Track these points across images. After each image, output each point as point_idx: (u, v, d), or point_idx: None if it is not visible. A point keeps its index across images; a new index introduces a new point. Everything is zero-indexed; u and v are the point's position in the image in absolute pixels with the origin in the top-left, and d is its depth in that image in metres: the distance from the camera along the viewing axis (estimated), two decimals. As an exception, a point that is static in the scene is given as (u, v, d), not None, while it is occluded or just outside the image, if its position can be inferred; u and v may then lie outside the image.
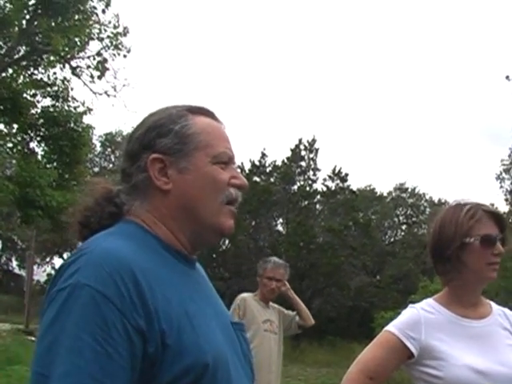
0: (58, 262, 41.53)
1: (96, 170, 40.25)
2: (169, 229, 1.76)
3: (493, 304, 2.90)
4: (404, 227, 41.35)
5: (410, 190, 41.77)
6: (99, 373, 1.47)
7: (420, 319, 2.76)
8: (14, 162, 15.26)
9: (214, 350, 1.65)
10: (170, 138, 1.77)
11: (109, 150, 43.57)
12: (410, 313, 2.82)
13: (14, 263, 47.36)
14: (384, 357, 2.77)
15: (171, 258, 1.74)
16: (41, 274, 40.63)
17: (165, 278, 1.65)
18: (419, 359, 2.73)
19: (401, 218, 41.70)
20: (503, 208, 31.07)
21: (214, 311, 1.79)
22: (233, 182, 1.81)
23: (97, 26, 13.66)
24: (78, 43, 13.46)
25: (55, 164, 14.94)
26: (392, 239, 41.06)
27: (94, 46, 15.83)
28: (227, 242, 34.12)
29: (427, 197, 41.93)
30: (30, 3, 13.25)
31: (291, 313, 6.32)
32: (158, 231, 1.76)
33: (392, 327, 2.78)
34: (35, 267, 37.43)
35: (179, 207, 1.76)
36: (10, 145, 14.14)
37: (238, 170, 1.86)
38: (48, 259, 44.11)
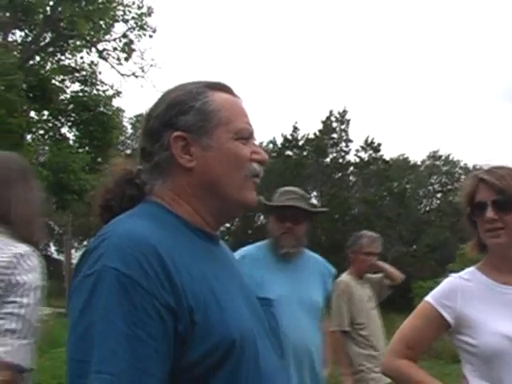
0: (95, 245, 41.78)
1: (128, 151, 40.39)
2: (192, 207, 1.74)
3: None
4: (439, 195, 41.09)
5: (443, 157, 41.43)
6: (133, 357, 1.47)
7: (456, 288, 2.73)
8: (46, 148, 15.36)
9: (241, 326, 1.63)
10: (191, 115, 1.73)
11: (140, 131, 43.62)
12: (447, 281, 2.80)
13: (52, 248, 47.90)
14: (421, 327, 2.76)
15: (194, 236, 1.72)
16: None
17: (188, 256, 1.64)
18: (456, 328, 2.71)
19: (435, 186, 41.41)
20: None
21: (239, 288, 1.78)
22: (254, 157, 1.78)
23: (121, 7, 13.65)
24: (103, 26, 13.44)
25: (87, 148, 14.98)
26: (427, 208, 40.83)
27: (119, 28, 15.85)
28: (262, 217, 34.17)
29: (462, 163, 41.54)
30: (53, -11, 13.26)
31: (376, 276, 6.18)
32: (181, 210, 1.73)
33: (429, 297, 2.77)
34: (73, 251, 37.86)
35: (203, 184, 1.74)
36: (41, 132, 14.20)
37: (258, 145, 1.84)
38: (85, 243, 44.54)
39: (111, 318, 1.47)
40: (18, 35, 14.57)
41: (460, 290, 2.74)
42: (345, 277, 5.79)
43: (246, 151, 1.77)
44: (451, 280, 2.81)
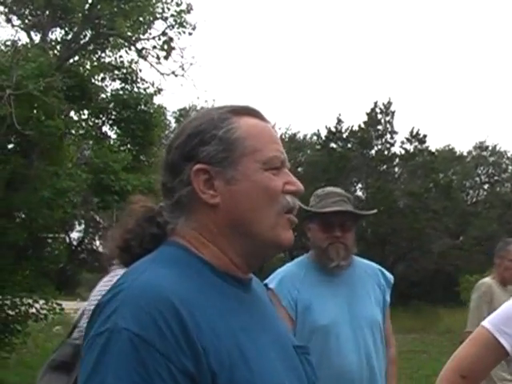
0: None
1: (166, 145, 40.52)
2: (219, 248, 1.57)
3: None
4: (486, 186, 40.61)
5: (490, 148, 40.86)
6: None
7: None
8: (86, 148, 15.42)
9: None
10: (213, 145, 1.56)
11: (182, 125, 43.79)
12: (506, 305, 2.60)
13: (98, 242, 48.39)
14: (477, 354, 2.56)
15: (221, 283, 1.54)
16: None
17: (213, 309, 1.46)
18: None
19: (482, 177, 40.92)
20: None
21: (271, 338, 1.59)
22: (287, 189, 1.59)
23: (159, 5, 13.58)
24: (142, 24, 13.40)
25: (128, 146, 14.98)
26: (474, 200, 40.38)
27: (158, 26, 15.80)
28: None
29: (509, 154, 40.90)
30: (92, -12, 13.26)
31: None
32: (206, 252, 1.56)
33: (486, 322, 2.58)
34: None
35: (229, 223, 1.56)
36: (81, 131, 14.23)
37: (291, 174, 1.65)
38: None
39: None
40: (58, 33, 14.62)
41: None
42: (488, 280, 5.68)
43: (278, 183, 1.58)
44: (511, 304, 2.62)
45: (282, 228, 1.59)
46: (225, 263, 1.57)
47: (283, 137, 37.45)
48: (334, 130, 35.24)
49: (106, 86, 14.93)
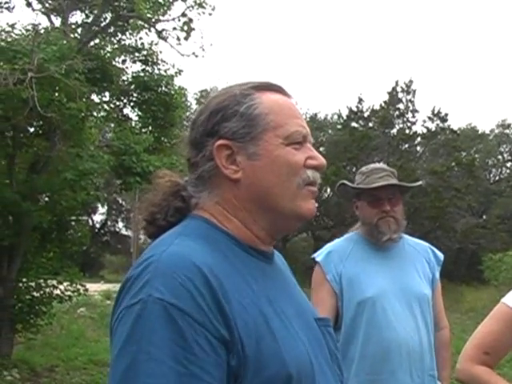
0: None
1: (190, 122, 40.51)
2: (241, 221, 1.60)
3: None
4: (509, 164, 40.44)
5: (513, 125, 40.57)
6: None
7: None
8: (108, 131, 15.44)
9: (297, 357, 1.49)
10: (235, 121, 1.60)
11: (204, 106, 43.76)
12: None
13: (120, 224, 48.63)
14: (500, 331, 2.58)
15: (245, 255, 1.58)
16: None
17: (238, 281, 1.49)
18: None
19: (505, 155, 40.74)
20: None
21: (295, 309, 1.62)
22: (309, 163, 1.62)
23: (179, -15, 13.56)
24: (162, 5, 13.35)
25: (150, 128, 14.98)
26: (497, 178, 40.23)
27: (178, 7, 15.71)
28: (329, 190, 34.09)
29: (532, 131, 40.63)
30: (111, -30, 13.23)
31: None
32: (230, 226, 1.60)
33: (508, 299, 2.58)
34: (140, 226, 38.33)
35: (251, 197, 1.59)
36: (103, 113, 14.25)
37: (313, 149, 1.66)
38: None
39: (158, 356, 1.33)
40: (78, 16, 14.62)
41: None
42: None
43: (299, 157, 1.61)
44: None
45: (303, 199, 1.61)
46: (248, 236, 1.61)
47: (304, 117, 37.40)
48: (355, 109, 35.13)
49: (127, 68, 14.89)
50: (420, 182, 4.13)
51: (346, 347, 3.52)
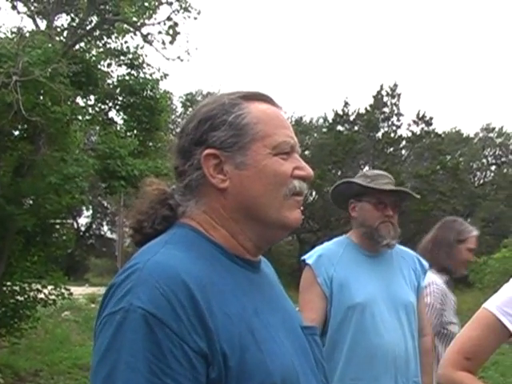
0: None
1: (178, 130, 40.56)
2: (228, 231, 1.61)
3: None
4: (493, 168, 40.68)
5: (497, 129, 40.83)
6: None
7: None
8: (93, 134, 15.41)
9: (282, 367, 1.50)
10: (223, 130, 1.60)
11: (190, 110, 43.82)
12: (509, 287, 2.61)
13: (106, 228, 48.54)
14: (481, 336, 2.58)
15: (232, 265, 1.58)
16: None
17: (224, 291, 1.49)
18: None
19: (489, 158, 40.98)
20: None
21: (281, 318, 1.63)
22: (296, 174, 1.63)
23: (164, -11, 13.57)
24: (148, 9, 13.34)
25: (135, 132, 14.96)
26: (481, 181, 40.46)
27: (163, 11, 15.70)
28: (314, 193, 34.16)
29: (516, 135, 40.87)
30: (97, -27, 13.21)
31: None
32: (216, 235, 1.60)
33: (489, 304, 2.59)
34: (125, 229, 38.30)
35: (238, 206, 1.59)
36: (88, 117, 14.22)
37: (301, 160, 1.67)
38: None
39: (136, 365, 1.33)
40: (63, 20, 14.59)
41: None
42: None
43: (287, 167, 1.61)
44: None
45: (289, 209, 1.62)
46: (234, 246, 1.61)
47: (290, 121, 37.49)
48: (340, 112, 35.25)
49: (112, 71, 14.89)
50: (418, 196, 4.12)
51: (331, 351, 3.52)
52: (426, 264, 3.88)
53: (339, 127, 35.20)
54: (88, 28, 14.02)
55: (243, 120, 1.61)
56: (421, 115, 34.78)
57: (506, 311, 2.53)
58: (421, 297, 3.83)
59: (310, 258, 3.69)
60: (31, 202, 12.80)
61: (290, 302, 1.79)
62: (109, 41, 14.79)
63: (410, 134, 35.19)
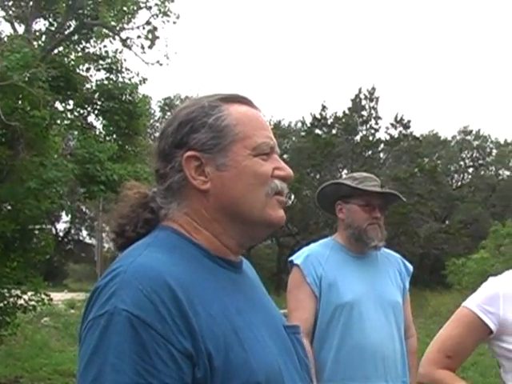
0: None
1: (157, 134, 40.47)
2: (211, 232, 1.62)
3: None
4: (471, 170, 40.96)
5: (474, 132, 41.09)
6: None
7: (498, 293, 2.59)
8: (72, 139, 15.35)
9: (266, 365, 1.51)
10: (203, 132, 1.62)
11: (168, 114, 43.71)
12: (488, 286, 2.66)
13: (84, 233, 48.28)
14: (461, 334, 2.63)
15: (214, 266, 1.60)
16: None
17: (208, 292, 1.51)
18: (498, 335, 2.58)
19: (467, 161, 41.23)
20: None
21: (264, 317, 1.65)
22: (277, 174, 1.65)
23: (143, -7, 13.56)
24: (126, 13, 13.34)
25: (114, 136, 14.92)
26: (459, 183, 40.71)
27: (142, 16, 15.69)
28: (293, 197, 34.15)
29: (493, 138, 41.14)
30: (76, -22, 13.18)
31: None
32: (199, 236, 1.62)
33: (469, 302, 2.64)
34: (104, 235, 38.13)
35: (220, 207, 1.61)
36: (67, 122, 14.17)
37: (280, 160, 1.69)
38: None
39: (122, 367, 1.35)
40: (42, 24, 14.55)
41: (502, 296, 2.61)
42: None
43: (267, 168, 1.63)
44: (492, 284, 2.68)
45: (272, 207, 1.64)
46: (217, 247, 1.63)
47: (268, 124, 37.45)
48: (318, 116, 35.27)
49: (91, 76, 14.86)
50: (404, 199, 4.15)
51: (319, 350, 3.55)
52: (410, 266, 3.92)
53: (317, 131, 35.22)
54: (66, 32, 13.99)
55: (223, 122, 1.62)
56: (399, 118, 34.91)
57: (486, 309, 2.57)
58: (406, 298, 3.87)
59: (297, 258, 3.72)
60: (10, 207, 12.73)
61: (272, 302, 1.81)
62: (87, 45, 14.77)
63: (388, 137, 35.31)
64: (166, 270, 1.47)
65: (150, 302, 1.40)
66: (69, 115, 14.59)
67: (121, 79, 14.84)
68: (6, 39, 12.28)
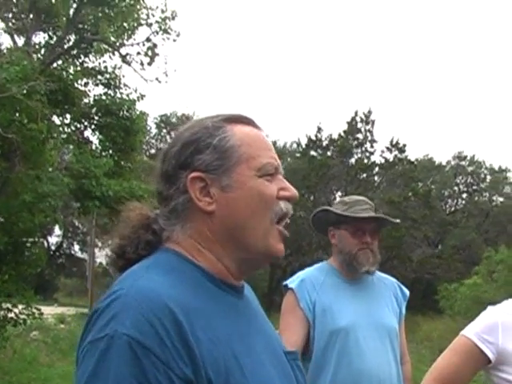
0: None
1: (152, 151, 40.53)
2: (214, 254, 1.59)
3: None
4: (465, 196, 41.04)
5: (468, 157, 41.20)
6: None
7: (497, 322, 2.57)
8: (68, 153, 15.34)
9: None
10: (208, 153, 1.59)
11: (164, 131, 43.76)
12: (486, 315, 2.64)
13: (76, 247, 48.14)
14: (459, 363, 2.60)
15: (216, 290, 1.57)
16: (102, 256, 41.13)
17: (208, 316, 1.48)
18: (497, 364, 2.55)
19: (461, 186, 41.32)
20: None
21: (265, 343, 1.63)
22: (282, 195, 1.63)
23: (144, 11, 13.56)
24: (127, 30, 13.37)
25: (110, 152, 14.90)
26: (453, 209, 40.77)
27: (142, 32, 15.75)
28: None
29: (487, 164, 41.26)
30: (76, -8, 13.22)
31: None
32: (202, 259, 1.58)
33: (467, 331, 2.61)
34: (96, 250, 38.02)
35: (225, 229, 1.58)
36: (63, 136, 14.15)
37: (285, 181, 1.68)
38: (110, 242, 44.90)
39: None
40: (41, 37, 14.57)
41: (501, 325, 2.59)
42: None
43: (272, 188, 1.61)
44: (491, 313, 2.66)
45: (274, 238, 1.62)
46: (220, 270, 1.60)
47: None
48: (314, 138, 35.31)
49: (89, 90, 14.85)
50: (398, 220, 4.12)
51: (316, 376, 3.50)
52: (406, 291, 3.87)
53: (312, 152, 35.26)
54: (66, 46, 14.01)
55: (227, 143, 1.60)
56: (394, 142, 34.95)
57: (485, 338, 2.55)
58: (401, 323, 3.82)
59: (292, 282, 3.67)
60: (3, 220, 12.69)
61: (272, 327, 1.78)
62: (86, 60, 14.79)
63: (383, 161, 35.32)
64: (166, 293, 1.44)
65: (150, 325, 1.37)
66: (65, 129, 14.58)
67: (119, 95, 14.85)
68: (5, 51, 12.27)
